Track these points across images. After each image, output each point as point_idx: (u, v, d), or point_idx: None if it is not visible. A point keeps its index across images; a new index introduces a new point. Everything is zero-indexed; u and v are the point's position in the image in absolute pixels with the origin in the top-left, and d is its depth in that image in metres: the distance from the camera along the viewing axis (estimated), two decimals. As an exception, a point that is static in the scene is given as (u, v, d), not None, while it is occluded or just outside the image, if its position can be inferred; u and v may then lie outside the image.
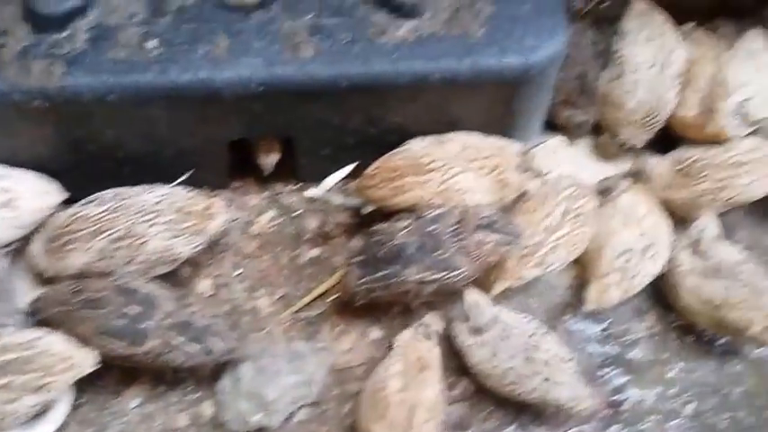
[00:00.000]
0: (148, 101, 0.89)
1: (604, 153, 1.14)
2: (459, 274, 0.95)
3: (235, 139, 0.97)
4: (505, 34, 0.93)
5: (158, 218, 0.92)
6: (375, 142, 0.97)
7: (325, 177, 0.96)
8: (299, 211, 1.07)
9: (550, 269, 1.00)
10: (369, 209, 0.99)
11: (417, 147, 0.97)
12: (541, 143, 1.02)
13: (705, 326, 1.06)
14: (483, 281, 0.99)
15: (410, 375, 0.95)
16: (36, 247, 0.93)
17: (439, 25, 0.92)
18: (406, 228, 0.95)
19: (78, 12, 0.88)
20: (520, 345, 0.97)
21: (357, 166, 0.97)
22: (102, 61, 0.88)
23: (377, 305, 1.01)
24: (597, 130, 1.14)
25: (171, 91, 0.88)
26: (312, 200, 1.00)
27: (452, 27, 0.92)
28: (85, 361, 0.90)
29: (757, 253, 1.13)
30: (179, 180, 0.95)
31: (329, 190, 0.97)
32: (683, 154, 1.10)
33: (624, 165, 1.13)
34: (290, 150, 1.00)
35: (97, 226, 0.91)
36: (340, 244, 1.05)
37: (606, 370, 1.06)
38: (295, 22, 0.91)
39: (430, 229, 0.94)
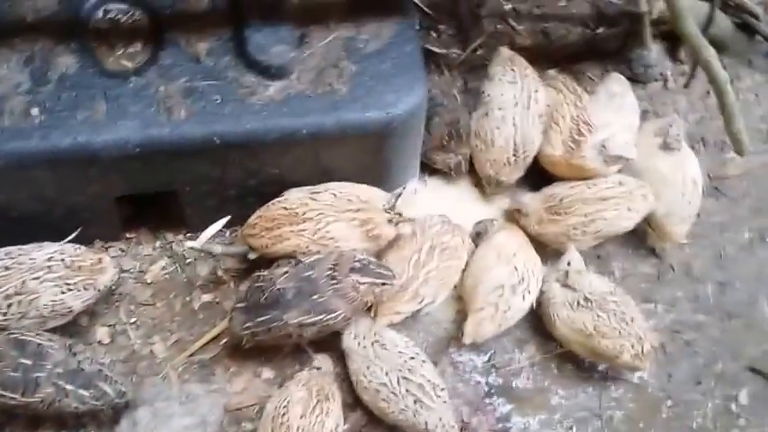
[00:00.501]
0: (33, 165, 0.92)
1: (482, 191, 1.18)
2: (337, 316, 0.99)
3: (120, 196, 1.00)
4: (367, 91, 0.98)
5: (48, 274, 0.95)
6: (256, 192, 1.02)
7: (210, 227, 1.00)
8: (190, 259, 1.10)
9: (425, 302, 1.04)
10: (253, 255, 1.03)
11: (294, 197, 1.01)
12: (402, 190, 1.05)
13: (582, 354, 1.10)
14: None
15: (312, 404, 0.97)
16: None
17: (305, 84, 0.97)
18: (284, 274, 0.99)
19: None
20: (396, 364, 1.00)
21: (242, 214, 1.01)
22: None
23: (267, 347, 1.04)
24: (474, 171, 1.18)
25: (53, 155, 0.92)
26: (193, 250, 1.03)
27: (318, 86, 0.98)
28: None
29: (632, 281, 1.18)
30: (69, 237, 0.99)
31: (209, 241, 1.01)
32: (552, 190, 1.15)
33: (500, 203, 1.18)
34: (177, 202, 1.03)
35: None
36: (230, 289, 1.08)
37: (492, 399, 1.10)
38: (169, 85, 0.96)
39: (307, 274, 0.98)
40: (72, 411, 0.96)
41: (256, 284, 1.00)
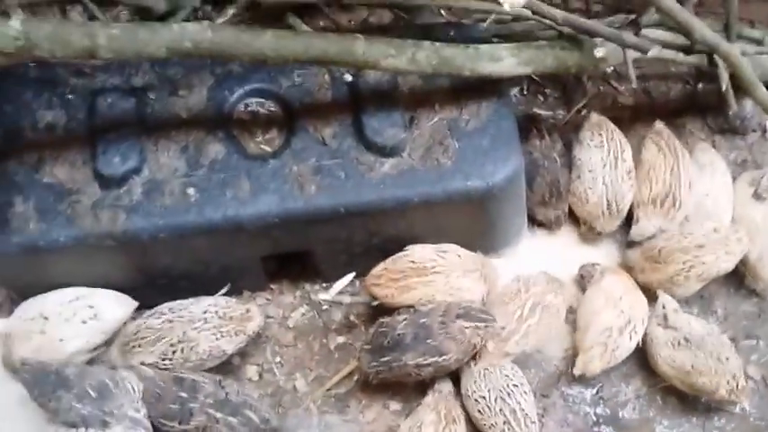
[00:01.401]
0: (191, 236, 1.05)
1: (585, 240, 1.22)
2: (450, 358, 1.07)
3: (264, 255, 1.12)
4: (469, 163, 1.06)
5: (205, 324, 1.08)
6: (378, 249, 1.12)
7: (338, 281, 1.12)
8: (325, 307, 1.20)
9: (526, 351, 1.10)
10: (375, 303, 1.12)
11: (420, 253, 1.09)
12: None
13: (683, 388, 1.13)
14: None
15: (442, 425, 1.06)
16: (113, 350, 1.10)
17: (415, 160, 1.07)
18: (403, 320, 1.08)
19: (134, 171, 1.05)
20: (498, 384, 1.07)
21: (368, 267, 1.10)
22: (154, 208, 1.05)
23: (394, 382, 1.12)
24: (577, 221, 1.24)
25: (208, 227, 1.05)
26: (325, 301, 1.15)
27: (426, 161, 1.07)
28: None
29: (734, 319, 1.20)
30: (221, 292, 1.12)
31: (339, 293, 1.12)
32: (651, 242, 1.18)
33: (601, 248, 1.22)
34: (313, 260, 1.15)
35: (158, 334, 1.08)
36: (361, 332, 1.17)
37: (600, 428, 1.14)
38: (301, 165, 1.07)
39: (422, 321, 1.07)
40: None
41: (380, 329, 1.09)
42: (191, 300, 1.10)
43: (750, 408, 1.16)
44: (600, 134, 1.21)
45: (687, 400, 1.15)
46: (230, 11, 1.08)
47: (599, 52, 1.03)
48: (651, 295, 1.19)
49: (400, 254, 1.11)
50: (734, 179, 1.26)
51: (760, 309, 1.21)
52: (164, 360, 1.07)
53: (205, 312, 1.09)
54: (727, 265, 1.17)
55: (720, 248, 1.15)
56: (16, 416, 1.11)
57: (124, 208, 1.04)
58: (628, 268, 1.20)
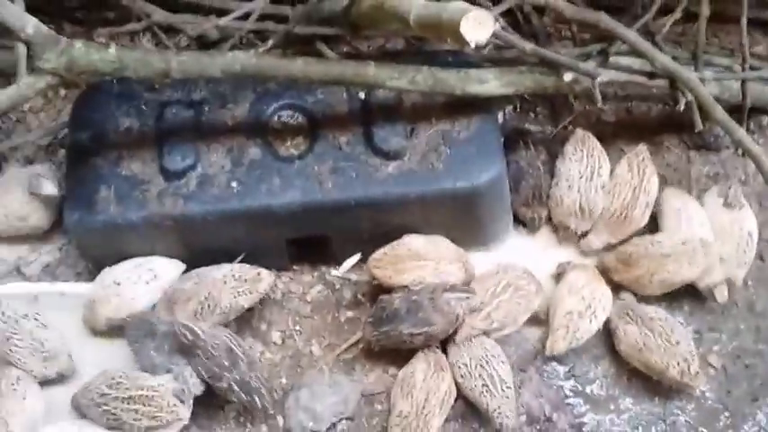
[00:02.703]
0: (232, 219, 1.35)
1: (564, 242, 1.51)
2: (437, 327, 1.35)
3: (290, 238, 1.42)
4: (459, 167, 1.35)
5: (225, 285, 1.37)
6: (381, 237, 1.40)
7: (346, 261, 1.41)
8: (338, 286, 1.48)
9: (494, 326, 1.38)
10: (374, 282, 1.41)
11: (416, 242, 1.39)
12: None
13: (642, 369, 1.38)
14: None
15: (431, 372, 1.34)
16: (159, 308, 1.38)
17: (414, 164, 1.36)
18: (398, 298, 1.36)
19: (191, 167, 1.34)
20: (477, 355, 1.34)
21: (372, 252, 1.40)
22: (205, 196, 1.33)
23: (392, 350, 1.40)
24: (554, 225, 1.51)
25: (245, 212, 1.35)
26: (336, 277, 1.44)
27: (423, 164, 1.35)
28: (183, 413, 1.31)
29: (700, 314, 1.46)
30: (237, 260, 1.40)
31: (346, 271, 1.42)
32: (625, 247, 1.45)
33: (575, 248, 1.50)
34: (329, 244, 1.45)
35: (189, 294, 1.35)
36: (366, 308, 1.44)
37: (570, 400, 1.40)
38: (321, 166, 1.36)
39: (414, 298, 1.35)
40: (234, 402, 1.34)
41: (380, 305, 1.37)
42: (213, 266, 1.38)
43: (709, 392, 1.38)
44: (581, 149, 1.45)
45: (651, 381, 1.37)
46: (270, 41, 1.40)
47: (567, 77, 1.32)
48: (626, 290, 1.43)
49: (398, 241, 1.36)
50: (705, 191, 1.49)
51: (724, 306, 1.42)
52: (196, 315, 1.33)
53: (224, 276, 1.37)
54: (690, 274, 1.38)
55: (684, 259, 1.38)
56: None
57: (182, 196, 1.32)
58: (605, 269, 1.44)
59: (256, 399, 1.34)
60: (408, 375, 1.34)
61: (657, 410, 1.39)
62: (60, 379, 1.41)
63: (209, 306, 1.35)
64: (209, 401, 1.37)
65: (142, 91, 1.41)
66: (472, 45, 1.14)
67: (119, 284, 1.38)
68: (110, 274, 1.40)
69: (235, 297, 1.38)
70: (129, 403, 1.30)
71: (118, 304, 1.38)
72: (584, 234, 1.49)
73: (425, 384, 1.33)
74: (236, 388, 1.32)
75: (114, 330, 1.41)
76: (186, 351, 1.33)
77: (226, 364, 1.31)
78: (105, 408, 1.32)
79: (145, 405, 1.30)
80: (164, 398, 1.30)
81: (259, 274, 1.39)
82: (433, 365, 1.34)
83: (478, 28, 1.14)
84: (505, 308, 1.38)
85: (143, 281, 1.38)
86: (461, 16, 1.11)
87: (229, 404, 1.39)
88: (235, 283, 1.37)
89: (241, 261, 1.40)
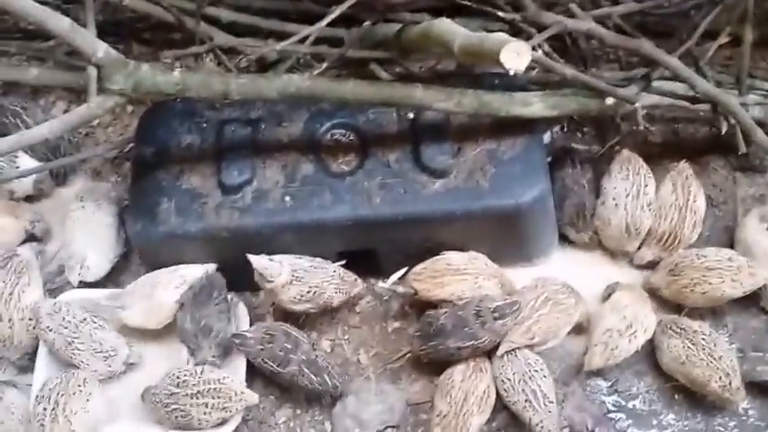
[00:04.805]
0: (285, 231, 1.43)
1: (612, 262, 1.54)
2: (483, 341, 1.40)
3: (340, 251, 1.49)
4: (503, 186, 1.40)
5: (333, 280, 1.44)
6: (428, 251, 1.45)
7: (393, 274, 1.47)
8: (386, 297, 1.54)
9: (535, 341, 1.42)
10: (415, 295, 1.46)
11: (456, 257, 1.45)
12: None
13: (685, 382, 1.41)
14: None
15: (469, 372, 1.39)
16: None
17: (460, 181, 1.41)
18: (444, 313, 1.41)
19: (247, 182, 1.41)
20: (521, 369, 1.39)
21: (411, 266, 1.45)
22: (260, 210, 1.39)
23: (440, 362, 1.44)
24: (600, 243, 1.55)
25: (298, 226, 1.42)
26: (383, 289, 1.50)
27: (468, 182, 1.41)
28: (251, 397, 1.38)
29: (743, 333, 1.48)
30: (341, 262, 1.48)
31: (393, 283, 1.47)
32: (672, 257, 1.48)
33: (621, 268, 1.54)
34: (377, 258, 1.51)
35: (302, 278, 1.44)
36: (413, 319, 1.50)
37: (612, 414, 1.43)
38: (371, 182, 1.42)
39: (460, 313, 1.41)
40: (304, 388, 1.40)
41: (427, 320, 1.41)
42: (322, 260, 1.44)
43: (752, 410, 1.40)
44: (627, 168, 1.49)
45: (693, 398, 1.40)
46: (324, 64, 1.46)
47: (609, 101, 1.38)
48: (671, 306, 1.48)
49: (438, 256, 1.42)
50: (748, 212, 1.52)
51: (767, 326, 1.45)
52: (298, 298, 1.42)
53: (334, 272, 1.44)
54: (733, 291, 1.42)
55: (728, 275, 1.41)
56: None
57: (238, 209, 1.39)
58: (653, 287, 1.48)
59: (326, 378, 1.39)
60: (447, 377, 1.40)
61: (700, 427, 1.41)
62: (128, 369, 1.50)
63: (314, 293, 1.43)
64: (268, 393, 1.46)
65: (203, 109, 1.50)
66: (511, 73, 1.20)
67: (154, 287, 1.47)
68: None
69: (335, 292, 1.45)
70: (198, 398, 1.37)
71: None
72: (629, 253, 1.53)
73: (464, 384, 1.38)
74: (305, 369, 1.39)
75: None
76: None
77: (288, 346, 1.39)
78: (174, 407, 1.39)
79: (214, 398, 1.37)
80: (231, 388, 1.37)
81: (356, 280, 1.47)
82: (471, 367, 1.39)
83: (517, 57, 1.20)
84: (545, 322, 1.42)
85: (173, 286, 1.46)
86: (501, 48, 1.17)
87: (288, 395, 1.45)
88: (338, 280, 1.45)
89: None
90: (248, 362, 1.44)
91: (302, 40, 1.51)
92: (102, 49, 1.30)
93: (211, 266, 1.48)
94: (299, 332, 1.43)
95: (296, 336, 1.41)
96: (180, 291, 1.45)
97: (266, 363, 1.41)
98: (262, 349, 1.41)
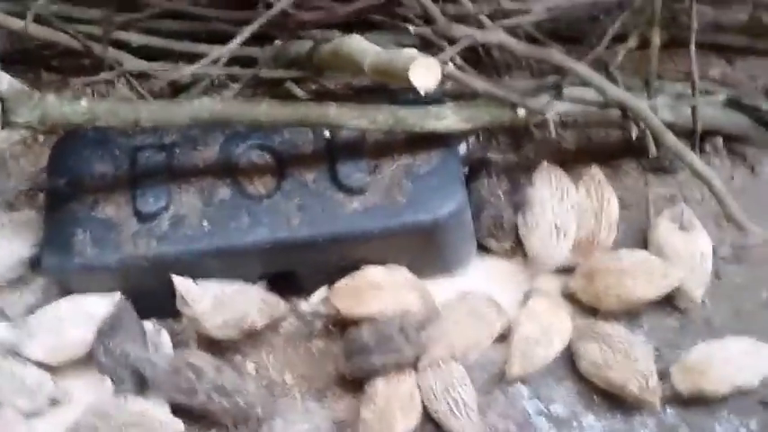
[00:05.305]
0: (204, 257, 1.41)
1: (531, 270, 1.55)
2: (407, 356, 1.42)
3: (260, 275, 1.49)
4: (420, 200, 1.40)
5: (255, 303, 1.45)
6: (347, 269, 1.46)
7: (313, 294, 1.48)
8: (308, 318, 1.53)
9: (456, 353, 1.44)
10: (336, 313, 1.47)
11: (374, 273, 1.46)
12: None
13: (603, 386, 1.44)
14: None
15: (392, 378, 1.40)
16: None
17: (377, 198, 1.41)
18: (367, 330, 1.42)
19: (163, 209, 1.36)
20: (444, 379, 1.41)
21: (332, 285, 1.46)
22: (178, 237, 1.35)
23: (363, 379, 1.45)
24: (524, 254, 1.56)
25: (217, 251, 1.41)
26: (305, 310, 1.51)
27: (385, 198, 1.41)
28: (177, 425, 1.36)
29: (659, 331, 1.50)
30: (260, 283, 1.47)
31: (315, 303, 1.48)
32: (588, 263, 1.51)
33: (543, 278, 1.55)
34: (298, 278, 1.51)
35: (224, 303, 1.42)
36: (337, 337, 1.49)
37: (533, 419, 1.45)
38: (288, 203, 1.41)
39: (382, 329, 1.41)
40: (223, 416, 1.40)
41: (350, 337, 1.42)
42: (243, 284, 1.45)
43: (670, 408, 1.43)
44: (548, 175, 1.52)
45: (613, 399, 1.42)
46: (236, 86, 1.48)
47: (521, 112, 1.41)
48: (588, 310, 1.50)
49: (357, 273, 1.43)
50: (660, 213, 1.55)
51: (682, 324, 1.49)
52: (224, 325, 1.42)
53: (256, 295, 1.44)
54: (648, 294, 1.44)
55: (643, 277, 1.44)
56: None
57: (155, 237, 1.35)
58: (571, 291, 1.50)
59: (239, 400, 1.40)
60: (370, 387, 1.41)
61: (620, 426, 1.44)
62: (53, 405, 1.48)
63: (238, 318, 1.43)
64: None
65: (116, 137, 1.49)
66: (422, 92, 1.20)
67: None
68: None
69: (259, 316, 1.46)
70: (122, 430, 1.34)
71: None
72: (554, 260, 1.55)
73: (386, 390, 1.39)
74: (214, 396, 1.39)
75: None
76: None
77: (191, 376, 1.39)
78: None
79: (138, 428, 1.34)
80: (156, 417, 1.35)
81: (278, 301, 1.48)
82: (393, 374, 1.41)
83: (427, 73, 1.20)
84: (467, 334, 1.44)
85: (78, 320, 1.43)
86: (409, 64, 1.17)
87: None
88: (261, 304, 1.46)
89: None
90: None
91: (215, 61, 1.50)
92: (4, 81, 1.28)
93: (116, 295, 1.46)
94: (203, 359, 1.42)
95: (198, 366, 1.40)
96: (89, 325, 1.44)
97: (174, 396, 1.41)
98: (169, 380, 1.41)
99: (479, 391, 1.45)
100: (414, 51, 1.21)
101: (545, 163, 1.56)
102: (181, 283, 1.44)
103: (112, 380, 1.44)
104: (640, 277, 1.45)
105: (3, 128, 1.30)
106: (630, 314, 1.50)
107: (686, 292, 1.50)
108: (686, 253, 1.51)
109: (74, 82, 1.54)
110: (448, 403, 1.39)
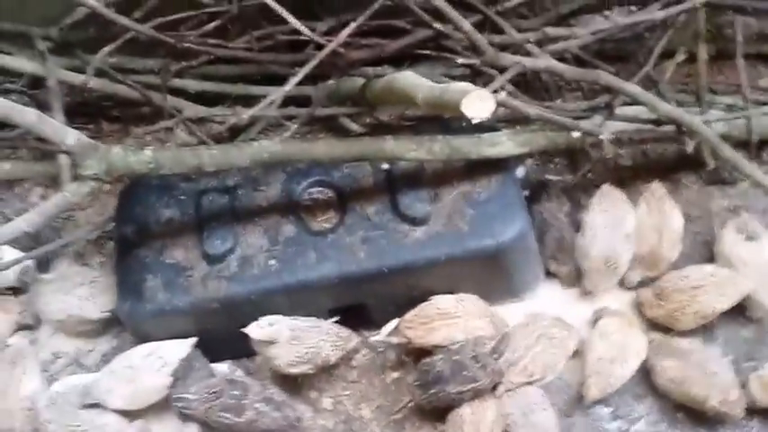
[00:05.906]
0: (273, 295, 1.43)
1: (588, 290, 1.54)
2: (483, 383, 1.41)
3: (329, 309, 1.50)
4: (483, 226, 1.42)
5: (329, 338, 1.45)
6: (417, 299, 1.46)
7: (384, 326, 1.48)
8: (381, 349, 1.54)
9: (534, 378, 1.43)
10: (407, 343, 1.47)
11: (444, 301, 1.45)
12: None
13: (684, 401, 1.42)
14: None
15: (476, 405, 1.40)
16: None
17: (439, 227, 1.42)
18: (440, 360, 1.42)
19: (230, 250, 1.42)
20: (523, 404, 1.40)
21: (402, 315, 1.46)
22: (246, 277, 1.40)
23: (442, 408, 1.44)
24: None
25: (285, 289, 1.43)
26: (377, 342, 1.50)
27: (448, 227, 1.42)
28: None
29: (735, 344, 1.49)
30: (332, 320, 1.48)
31: (386, 335, 1.47)
32: (659, 284, 1.50)
33: (616, 296, 1.54)
34: (368, 310, 1.52)
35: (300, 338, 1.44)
36: (411, 367, 1.49)
37: None
38: (353, 237, 1.43)
39: (456, 357, 1.41)
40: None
41: (423, 368, 1.42)
42: (315, 319, 1.44)
43: (756, 423, 1.40)
44: (606, 201, 1.51)
45: (694, 413, 1.41)
46: (293, 126, 1.49)
47: (575, 134, 1.41)
48: (661, 327, 1.48)
49: (427, 302, 1.42)
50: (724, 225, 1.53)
51: (757, 334, 1.46)
52: (293, 361, 1.41)
53: (329, 329, 1.45)
54: (723, 305, 1.43)
55: (714, 290, 1.43)
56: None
57: (225, 278, 1.40)
58: (641, 304, 1.49)
59: (288, 411, 1.41)
60: (456, 415, 1.40)
61: (706, 441, 1.39)
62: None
63: (312, 353, 1.44)
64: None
65: (180, 182, 1.51)
66: (474, 122, 1.22)
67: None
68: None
69: (332, 350, 1.45)
70: None
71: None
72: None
73: (473, 417, 1.39)
74: (264, 408, 1.39)
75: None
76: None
77: (237, 393, 1.39)
78: None
79: None
80: None
81: (350, 334, 1.47)
82: (477, 402, 1.40)
83: (480, 104, 1.21)
84: (541, 358, 1.43)
85: (154, 368, 1.45)
86: (462, 97, 1.18)
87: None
88: (334, 338, 1.45)
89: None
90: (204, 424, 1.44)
91: (271, 103, 1.53)
92: (71, 137, 1.31)
93: (190, 341, 1.47)
94: (246, 377, 1.43)
95: (242, 381, 1.41)
96: (164, 372, 1.44)
97: (221, 416, 1.40)
98: (210, 407, 1.41)
99: (560, 414, 1.45)
100: (466, 85, 1.23)
101: (604, 187, 1.55)
102: (254, 331, 1.44)
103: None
104: (712, 291, 1.44)
105: (72, 181, 1.32)
106: (705, 328, 1.49)
107: (758, 301, 1.49)
108: (754, 262, 1.49)
109: (135, 131, 1.57)
110: (528, 429, 1.39)
